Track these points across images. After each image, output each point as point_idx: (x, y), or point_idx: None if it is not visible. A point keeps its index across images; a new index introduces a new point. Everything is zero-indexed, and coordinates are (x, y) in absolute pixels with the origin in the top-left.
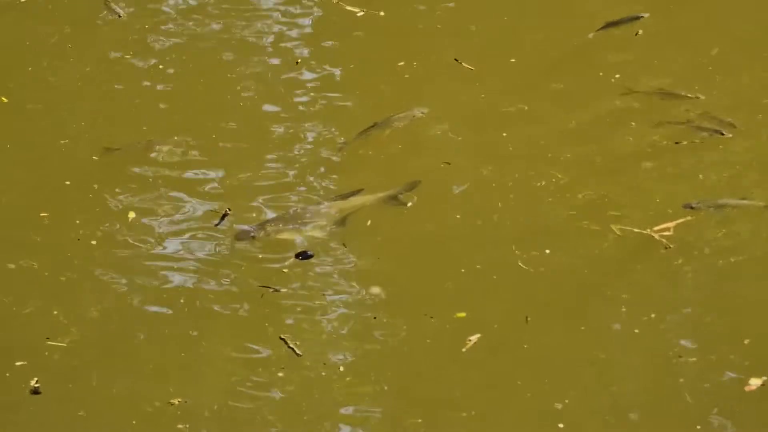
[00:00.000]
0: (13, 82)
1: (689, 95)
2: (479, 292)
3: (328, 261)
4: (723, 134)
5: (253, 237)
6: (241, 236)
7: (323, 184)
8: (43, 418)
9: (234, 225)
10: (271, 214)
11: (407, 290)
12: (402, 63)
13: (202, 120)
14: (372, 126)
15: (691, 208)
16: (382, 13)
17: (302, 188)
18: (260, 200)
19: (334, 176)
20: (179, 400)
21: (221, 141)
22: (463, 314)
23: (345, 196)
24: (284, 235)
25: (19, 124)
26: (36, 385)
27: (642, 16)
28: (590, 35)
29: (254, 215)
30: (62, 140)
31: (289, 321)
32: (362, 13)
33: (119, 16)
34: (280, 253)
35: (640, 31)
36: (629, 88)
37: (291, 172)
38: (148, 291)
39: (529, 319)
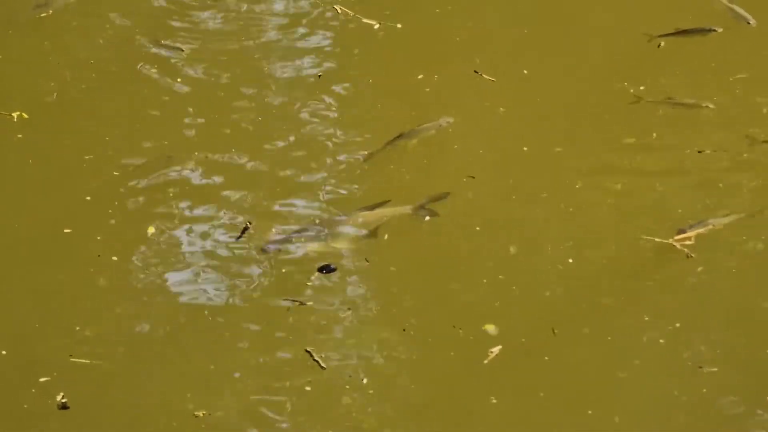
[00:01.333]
0: (35, 97)
1: (701, 104)
2: (503, 303)
3: (352, 274)
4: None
5: (279, 249)
6: (266, 249)
7: (347, 195)
8: None
9: (259, 237)
10: (295, 226)
11: (432, 302)
12: (421, 76)
13: (223, 134)
14: (398, 136)
15: (684, 232)
16: (399, 26)
17: (325, 200)
18: (283, 211)
19: (358, 187)
20: (204, 412)
21: (242, 155)
22: (491, 326)
23: (371, 208)
24: (310, 247)
25: (40, 139)
26: (63, 401)
27: (715, 30)
28: (660, 43)
29: (278, 227)
30: (86, 155)
31: (315, 334)
32: (379, 26)
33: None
34: (303, 266)
35: (662, 43)
36: (638, 97)
37: (313, 184)
38: (171, 306)
39: (556, 331)
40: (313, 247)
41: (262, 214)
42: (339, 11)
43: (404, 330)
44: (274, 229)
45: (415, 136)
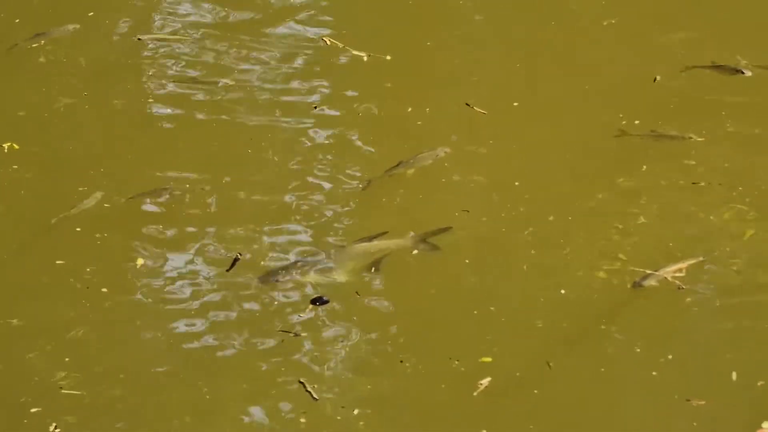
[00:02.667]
0: (26, 127)
1: (683, 136)
2: (494, 335)
3: (346, 306)
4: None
5: (278, 281)
6: (265, 279)
7: (344, 226)
8: None
9: (257, 268)
10: (294, 257)
11: (425, 335)
12: (410, 109)
13: (217, 166)
14: (397, 165)
15: (640, 285)
16: (388, 57)
17: (322, 230)
18: (280, 242)
19: (355, 218)
20: None
21: (236, 187)
22: (488, 359)
23: (370, 239)
24: (309, 279)
25: (32, 170)
26: (57, 431)
27: (744, 73)
28: (656, 77)
29: (274, 257)
30: (79, 187)
31: (309, 365)
32: (368, 58)
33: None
34: (296, 298)
35: (658, 77)
36: (622, 131)
37: (309, 213)
38: (163, 338)
39: (551, 364)
40: (312, 278)
41: (258, 245)
42: (328, 43)
43: (401, 362)
44: (270, 259)
45: (412, 166)
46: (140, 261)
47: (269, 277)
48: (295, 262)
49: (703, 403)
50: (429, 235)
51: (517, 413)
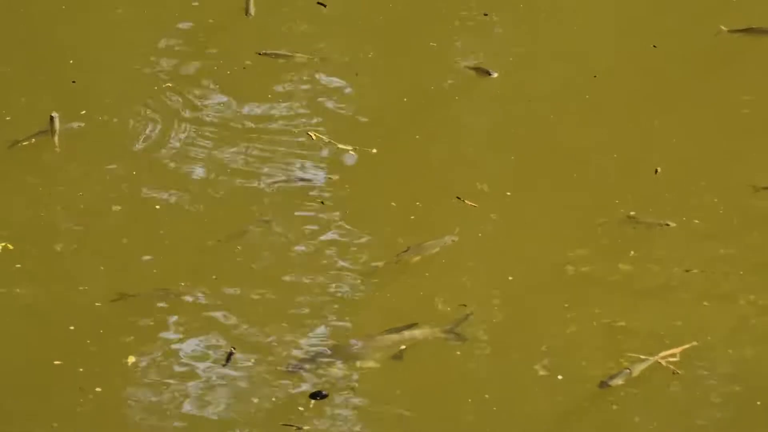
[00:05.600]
0: (16, 226)
1: (660, 222)
2: (496, 425)
3: (348, 398)
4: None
5: (304, 368)
6: (292, 368)
7: (349, 316)
8: None
9: (281, 356)
10: (321, 347)
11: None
12: (394, 203)
13: (215, 264)
14: (405, 251)
15: (607, 386)
16: (374, 151)
17: (328, 323)
18: (288, 336)
19: (364, 304)
20: None
21: (237, 284)
22: None
23: (399, 330)
24: (336, 369)
25: (33, 270)
26: None
27: None
28: (657, 169)
29: (285, 351)
30: (80, 287)
31: None
32: (353, 152)
33: None
34: (300, 390)
35: (659, 169)
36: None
37: (313, 305)
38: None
39: None
40: (341, 368)
41: (268, 337)
42: (314, 138)
43: None
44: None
45: (419, 253)
46: (131, 359)
47: (298, 365)
48: (323, 352)
49: None
50: (456, 324)
51: None
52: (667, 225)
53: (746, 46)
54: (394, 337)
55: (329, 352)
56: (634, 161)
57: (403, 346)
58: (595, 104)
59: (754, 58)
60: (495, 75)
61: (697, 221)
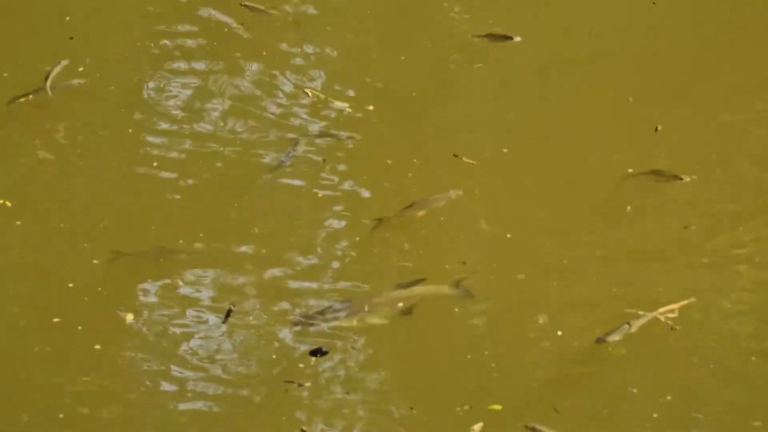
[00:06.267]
0: (14, 183)
1: (682, 177)
2: (500, 381)
3: (347, 357)
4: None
5: (312, 324)
6: (300, 322)
7: (355, 272)
8: None
9: (296, 311)
10: (329, 302)
11: (433, 383)
12: (390, 161)
13: (217, 223)
14: (409, 206)
15: (604, 341)
16: (371, 108)
17: (331, 278)
18: (295, 289)
19: (366, 259)
20: None
21: (236, 242)
22: (499, 407)
23: (407, 285)
24: (344, 323)
25: (34, 227)
26: None
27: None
28: (658, 127)
29: (287, 307)
30: (79, 244)
31: (313, 416)
32: (350, 109)
33: None
34: (295, 349)
35: (660, 127)
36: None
37: (316, 261)
38: (163, 386)
39: (558, 410)
40: (349, 322)
41: (271, 295)
42: (310, 95)
43: (411, 408)
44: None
45: (423, 207)
46: (130, 316)
47: (305, 320)
48: (330, 306)
49: None
50: (463, 279)
51: None
52: (681, 179)
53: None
54: (402, 293)
55: (336, 307)
56: (634, 118)
57: (411, 303)
58: (595, 62)
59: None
60: (517, 39)
61: (695, 177)
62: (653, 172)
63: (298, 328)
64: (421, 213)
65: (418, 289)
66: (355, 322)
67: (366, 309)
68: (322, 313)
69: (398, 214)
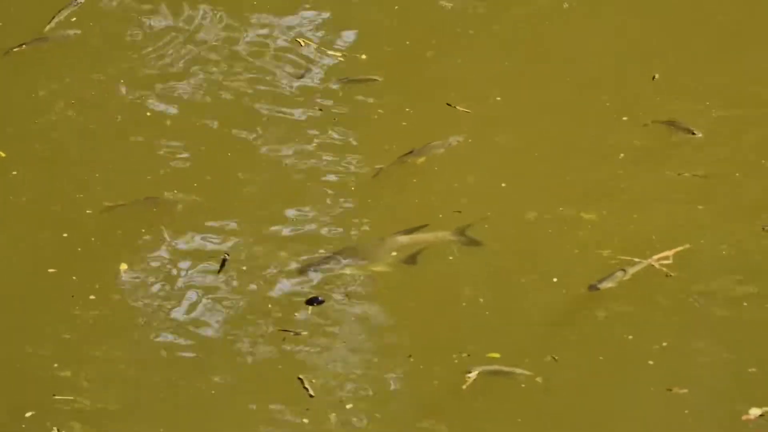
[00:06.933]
0: (9, 133)
1: (695, 132)
2: (498, 330)
3: (344, 306)
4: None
5: (316, 271)
6: (303, 270)
7: (355, 220)
8: None
9: (300, 259)
10: (332, 250)
11: (430, 331)
12: (382, 111)
13: (212, 173)
14: (409, 152)
15: (597, 289)
16: (363, 57)
17: (332, 228)
18: (288, 235)
19: (367, 207)
20: None
21: (236, 190)
22: (497, 355)
23: (410, 232)
24: (347, 270)
25: (28, 178)
26: None
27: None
28: (655, 75)
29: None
30: (74, 195)
31: (309, 365)
32: (342, 58)
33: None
34: (291, 299)
35: (657, 75)
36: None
37: (314, 214)
38: (159, 338)
39: (556, 357)
40: (353, 269)
41: (269, 245)
42: (302, 44)
43: (409, 356)
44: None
45: (424, 154)
46: (123, 266)
47: (308, 267)
48: (333, 254)
49: (686, 391)
50: (468, 227)
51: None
52: (694, 134)
53: None
54: (406, 240)
55: (338, 255)
56: (631, 67)
57: (415, 250)
58: (592, 11)
59: None
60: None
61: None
62: (668, 122)
63: (302, 275)
64: (420, 160)
65: (421, 236)
66: (358, 270)
67: (369, 257)
68: (326, 260)
69: (398, 161)
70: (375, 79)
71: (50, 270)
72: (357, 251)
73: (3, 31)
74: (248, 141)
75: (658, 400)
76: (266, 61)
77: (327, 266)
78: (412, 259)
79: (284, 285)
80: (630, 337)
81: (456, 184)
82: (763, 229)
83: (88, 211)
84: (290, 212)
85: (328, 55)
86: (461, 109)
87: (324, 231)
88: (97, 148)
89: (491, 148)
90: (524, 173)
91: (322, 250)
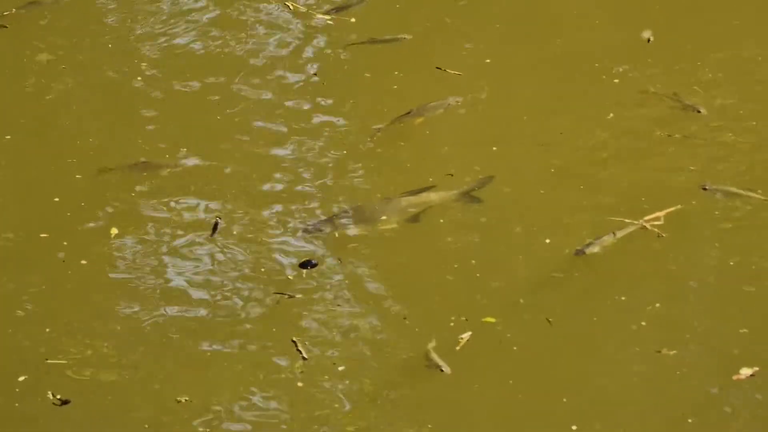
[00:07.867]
0: (7, 100)
1: (700, 110)
2: (490, 293)
3: (338, 269)
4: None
5: (321, 231)
6: (309, 231)
7: (355, 181)
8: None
9: (306, 221)
10: (339, 208)
11: (423, 293)
12: (368, 74)
13: (204, 137)
14: (408, 113)
15: (705, 189)
16: (353, 20)
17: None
18: (281, 190)
19: (364, 171)
20: (186, 398)
21: (229, 154)
22: (492, 319)
23: (416, 192)
24: (353, 231)
25: (13, 141)
26: (59, 397)
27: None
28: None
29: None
30: (65, 159)
31: (304, 327)
32: (331, 21)
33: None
34: (285, 261)
35: (651, 39)
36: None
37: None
38: (155, 302)
39: (551, 320)
40: (359, 229)
41: (270, 206)
42: (291, 7)
43: (404, 319)
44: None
45: (422, 114)
46: (114, 230)
47: (314, 227)
48: (340, 214)
49: (674, 353)
50: (474, 188)
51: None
52: (699, 112)
53: None
54: (411, 200)
55: (342, 215)
56: (625, 29)
57: (419, 210)
58: None
59: None
60: None
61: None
62: (673, 96)
63: (306, 235)
64: (419, 120)
65: (426, 196)
66: (363, 230)
67: (373, 216)
68: (330, 220)
69: (396, 120)
70: (364, 42)
71: (42, 235)
72: (360, 211)
73: None
74: (240, 105)
75: (653, 359)
76: (258, 28)
77: (333, 226)
78: (416, 219)
79: (279, 247)
80: (623, 298)
81: (446, 147)
82: (704, 188)
83: (78, 176)
84: (285, 175)
85: (318, 20)
86: (452, 71)
87: (325, 193)
88: (88, 113)
89: (481, 111)
90: (515, 135)
91: (319, 212)
